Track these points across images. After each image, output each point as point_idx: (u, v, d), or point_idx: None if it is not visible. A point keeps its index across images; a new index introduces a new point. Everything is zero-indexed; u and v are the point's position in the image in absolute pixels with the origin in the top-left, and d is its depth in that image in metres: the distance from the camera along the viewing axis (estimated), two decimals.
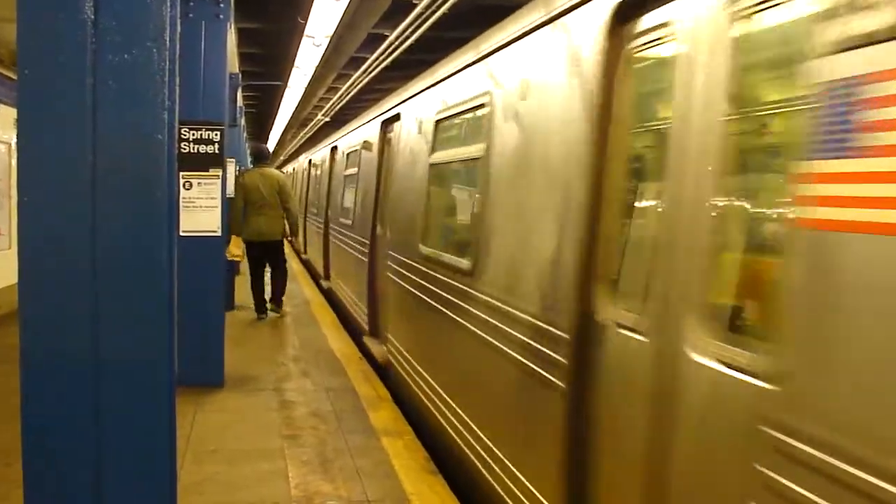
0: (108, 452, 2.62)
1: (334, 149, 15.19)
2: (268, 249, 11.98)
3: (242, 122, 21.86)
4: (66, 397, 2.57)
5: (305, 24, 11.53)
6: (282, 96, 21.92)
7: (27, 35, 2.55)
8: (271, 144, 45.30)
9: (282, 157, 55.15)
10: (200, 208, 7.90)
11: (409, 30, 10.56)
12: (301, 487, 5.46)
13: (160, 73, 2.60)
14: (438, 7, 9.21)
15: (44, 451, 2.60)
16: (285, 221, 12.11)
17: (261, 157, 12.35)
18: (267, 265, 12.29)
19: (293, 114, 27.39)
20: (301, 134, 36.55)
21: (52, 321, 2.56)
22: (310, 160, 21.49)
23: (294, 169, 29.23)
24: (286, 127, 33.37)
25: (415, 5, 9.66)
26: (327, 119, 25.41)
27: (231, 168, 13.03)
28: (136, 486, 2.67)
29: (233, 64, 12.73)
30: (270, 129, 33.96)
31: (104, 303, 2.56)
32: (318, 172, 18.33)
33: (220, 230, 7.97)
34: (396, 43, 11.55)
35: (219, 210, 7.93)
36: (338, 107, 22.11)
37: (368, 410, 7.40)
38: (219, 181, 7.93)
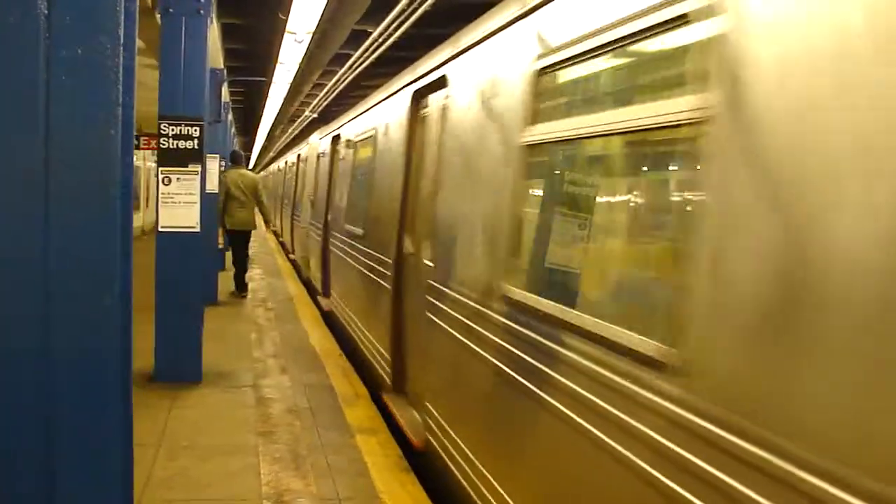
0: (60, 452, 2.60)
1: (424, 91, 7.18)
2: (245, 237, 14.17)
3: (230, 117, 21.79)
4: (17, 396, 2.56)
5: (286, 20, 11.51)
6: (267, 93, 21.72)
7: None
8: (259, 140, 45.25)
9: (271, 154, 54.99)
10: (179, 204, 7.87)
11: (392, 27, 10.54)
12: (272, 484, 5.46)
13: (114, 69, 2.58)
14: (420, 4, 9.19)
15: None
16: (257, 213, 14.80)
17: (237, 160, 14.95)
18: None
19: (280, 110, 27.30)
20: (290, 130, 36.42)
21: (2, 318, 2.54)
22: (336, 137, 13.03)
23: (301, 156, 19.84)
24: (274, 123, 33.24)
25: (397, 2, 9.65)
26: (315, 115, 25.32)
27: (214, 164, 13.03)
28: (89, 485, 2.66)
29: (216, 59, 12.72)
30: (258, 125, 33.81)
31: (55, 300, 2.54)
32: (361, 157, 10.21)
33: (199, 226, 7.94)
34: (380, 40, 11.54)
35: (198, 206, 7.91)
36: (324, 103, 22.02)
37: (345, 407, 7.41)
38: (198, 177, 7.90)
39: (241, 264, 14.17)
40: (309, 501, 5.24)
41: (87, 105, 2.58)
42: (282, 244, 24.46)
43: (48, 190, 2.54)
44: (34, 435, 2.59)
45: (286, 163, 26.39)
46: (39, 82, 2.53)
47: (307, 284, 15.69)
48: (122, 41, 2.61)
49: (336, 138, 13.03)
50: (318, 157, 15.33)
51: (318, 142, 16.06)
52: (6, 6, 2.51)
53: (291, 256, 20.78)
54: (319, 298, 13.32)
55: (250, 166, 77.76)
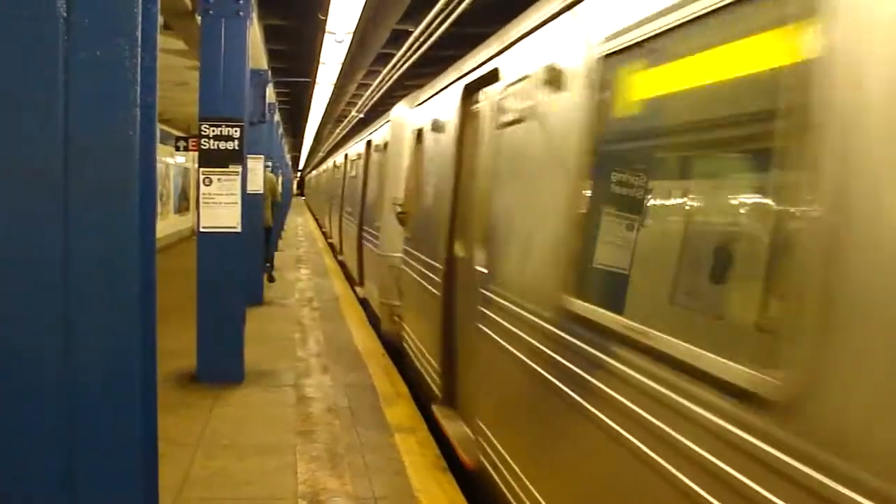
0: (80, 452, 2.61)
1: None
2: (268, 231, 15.27)
3: (277, 118, 21.90)
4: (37, 396, 2.58)
5: (326, 20, 11.53)
6: (312, 93, 21.74)
7: None
8: (307, 140, 45.56)
9: (320, 154, 55.23)
10: (220, 204, 7.93)
11: (433, 26, 10.52)
12: (308, 483, 5.47)
13: (132, 70, 2.59)
14: (460, 2, 9.16)
15: (16, 452, 2.60)
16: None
17: None
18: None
19: (326, 110, 27.41)
20: (338, 130, 36.56)
21: (21, 320, 2.56)
22: (477, 85, 6.43)
23: (373, 143, 13.75)
24: (321, 123, 33.39)
25: (436, 1, 9.63)
26: (361, 115, 25.40)
27: (259, 165, 13.12)
28: (110, 485, 2.67)
29: (259, 61, 12.78)
30: (305, 125, 33.98)
31: (74, 300, 2.56)
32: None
33: (239, 226, 7.98)
34: (421, 39, 11.51)
35: (238, 206, 7.96)
36: (370, 103, 22.07)
37: (385, 407, 7.40)
38: (239, 177, 7.95)
39: (266, 256, 15.60)
40: (344, 500, 5.24)
41: (106, 106, 2.59)
42: (341, 264, 19.34)
43: (67, 191, 2.55)
44: (54, 434, 2.60)
45: (345, 156, 20.64)
46: (58, 84, 2.54)
47: (389, 345, 10.08)
48: (140, 42, 2.61)
49: (478, 86, 6.46)
50: (417, 136, 9.07)
51: (406, 113, 10.18)
52: (25, 8, 2.52)
53: (360, 292, 14.59)
54: (439, 414, 6.65)
55: (299, 167, 78.78)
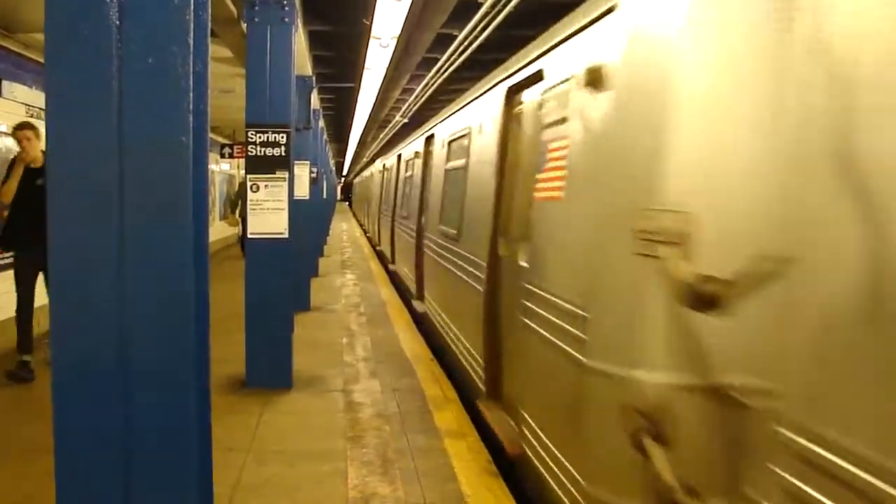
0: (138, 463, 2.63)
1: None
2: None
3: (321, 124, 21.99)
4: (96, 404, 2.59)
5: (371, 25, 11.54)
6: (356, 98, 21.76)
7: (54, 41, 2.57)
8: (351, 146, 45.79)
9: (364, 159, 55.47)
10: (268, 210, 7.95)
11: (478, 29, 10.49)
12: (359, 489, 5.46)
13: (185, 78, 2.60)
14: (504, 5, 9.13)
15: (73, 457, 2.62)
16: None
17: None
18: None
19: (370, 116, 27.47)
20: (381, 135, 36.66)
21: (78, 327, 2.58)
22: None
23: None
24: (365, 129, 33.46)
25: (481, 4, 9.60)
26: (405, 120, 25.42)
27: (305, 170, 13.18)
28: (165, 485, 2.68)
29: (304, 67, 12.83)
30: (349, 130, 34.07)
31: (130, 305, 2.57)
32: None
33: (287, 232, 8.00)
34: (466, 43, 11.49)
35: (286, 212, 7.97)
36: (414, 108, 22.07)
37: (434, 412, 7.38)
38: (286, 183, 7.98)
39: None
40: None
41: (159, 113, 2.60)
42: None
43: (122, 197, 2.57)
44: (112, 440, 2.61)
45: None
46: (112, 91, 2.55)
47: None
48: (192, 50, 2.62)
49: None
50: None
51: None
52: (78, 17, 2.54)
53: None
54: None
55: (343, 172, 79.39)
